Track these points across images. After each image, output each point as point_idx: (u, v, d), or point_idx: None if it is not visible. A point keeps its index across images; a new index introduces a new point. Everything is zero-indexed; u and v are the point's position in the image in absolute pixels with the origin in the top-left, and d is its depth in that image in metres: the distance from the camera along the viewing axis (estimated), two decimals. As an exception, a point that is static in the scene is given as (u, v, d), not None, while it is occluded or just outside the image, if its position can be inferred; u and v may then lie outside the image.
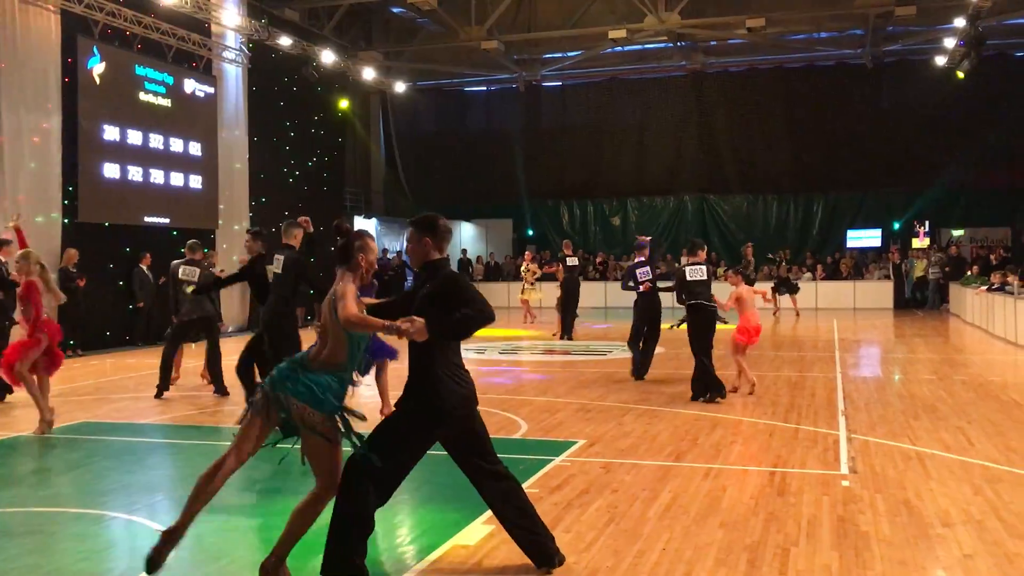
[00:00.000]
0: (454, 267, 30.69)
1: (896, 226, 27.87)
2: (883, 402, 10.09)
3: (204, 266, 11.84)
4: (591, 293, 27.84)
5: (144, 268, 17.54)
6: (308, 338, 5.78)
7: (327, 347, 4.51)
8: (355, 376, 5.03)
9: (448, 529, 5.47)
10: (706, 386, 10.18)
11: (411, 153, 31.70)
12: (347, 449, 4.53)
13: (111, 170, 17.26)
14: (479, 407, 4.77)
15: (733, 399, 10.30)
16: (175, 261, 11.78)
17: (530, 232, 31.05)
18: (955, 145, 26.47)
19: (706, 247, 11.51)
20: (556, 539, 4.85)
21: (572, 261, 17.88)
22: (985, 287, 19.02)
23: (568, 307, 17.64)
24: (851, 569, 4.80)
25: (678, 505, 6.01)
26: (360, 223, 29.59)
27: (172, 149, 18.88)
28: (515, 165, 30.32)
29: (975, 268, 22.76)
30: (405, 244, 4.30)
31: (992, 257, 24.00)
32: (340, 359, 4.51)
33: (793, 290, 23.51)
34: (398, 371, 7.24)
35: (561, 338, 17.43)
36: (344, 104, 26.01)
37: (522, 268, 21.28)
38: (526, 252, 22.40)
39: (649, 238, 12.79)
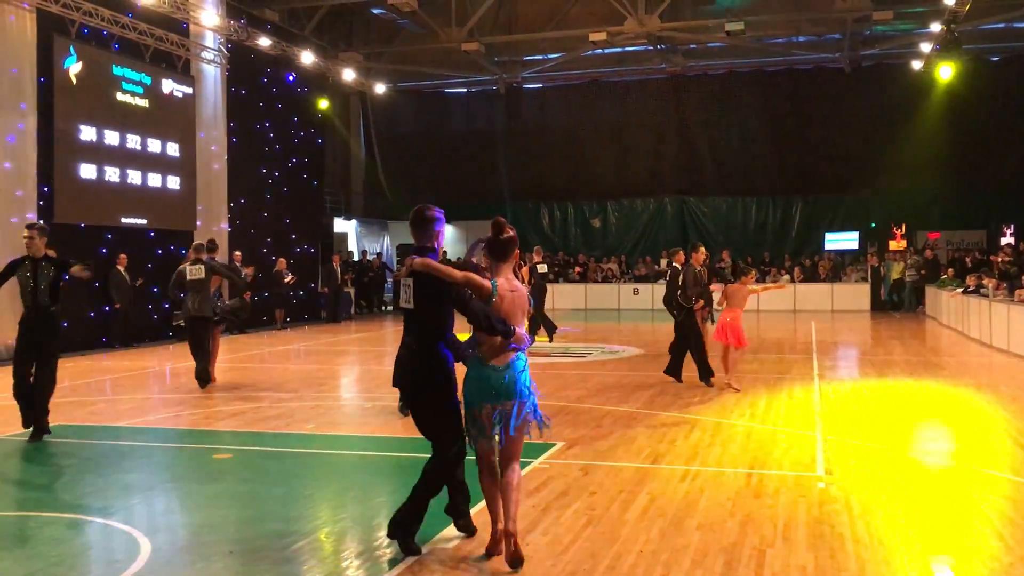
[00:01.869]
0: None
1: (872, 225, 28.09)
2: (859, 403, 10.18)
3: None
4: (571, 295, 27.94)
5: (121, 269, 17.40)
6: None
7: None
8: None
9: (435, 526, 5.41)
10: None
11: (391, 154, 31.61)
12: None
13: (87, 171, 17.11)
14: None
15: (710, 401, 10.37)
16: (181, 265, 11.99)
17: (511, 234, 30.94)
18: (932, 148, 26.71)
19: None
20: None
21: (543, 268, 18.38)
22: (960, 290, 19.19)
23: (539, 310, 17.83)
24: (826, 570, 4.84)
25: (655, 507, 6.03)
26: (340, 224, 29.48)
27: (150, 150, 18.74)
28: (495, 167, 30.30)
29: (950, 271, 22.98)
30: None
31: (967, 260, 24.22)
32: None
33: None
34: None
35: (549, 340, 17.36)
36: (324, 105, 25.91)
37: None
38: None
39: None
